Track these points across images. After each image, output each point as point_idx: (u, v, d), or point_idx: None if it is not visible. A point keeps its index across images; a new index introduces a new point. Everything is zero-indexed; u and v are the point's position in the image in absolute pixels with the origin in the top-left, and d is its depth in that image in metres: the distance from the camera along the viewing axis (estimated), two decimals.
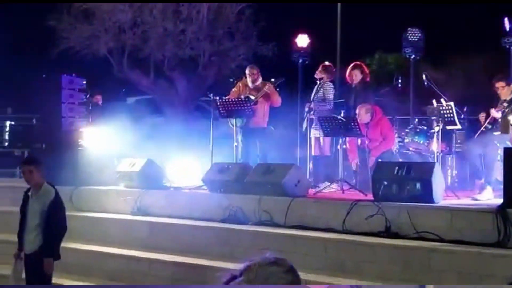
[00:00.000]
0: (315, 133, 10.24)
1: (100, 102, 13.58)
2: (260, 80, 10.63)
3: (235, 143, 10.35)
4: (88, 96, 11.56)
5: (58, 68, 12.91)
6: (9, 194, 10.22)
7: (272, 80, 10.53)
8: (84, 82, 11.47)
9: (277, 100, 10.49)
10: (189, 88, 15.74)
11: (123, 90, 18.77)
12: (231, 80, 11.19)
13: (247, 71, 10.74)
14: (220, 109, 10.19)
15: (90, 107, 11.62)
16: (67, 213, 9.51)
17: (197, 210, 8.77)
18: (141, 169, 9.70)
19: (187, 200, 9.09)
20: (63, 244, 8.93)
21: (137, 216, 9.08)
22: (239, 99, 10.22)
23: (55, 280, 8.24)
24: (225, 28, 15.75)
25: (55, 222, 6.83)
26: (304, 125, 10.46)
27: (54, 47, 14.93)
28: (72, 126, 10.99)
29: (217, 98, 10.34)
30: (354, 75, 10.33)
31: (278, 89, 10.63)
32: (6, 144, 17.22)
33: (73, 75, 11.32)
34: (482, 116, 10.12)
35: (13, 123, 18.57)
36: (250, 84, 10.59)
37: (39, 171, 6.94)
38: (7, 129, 17.65)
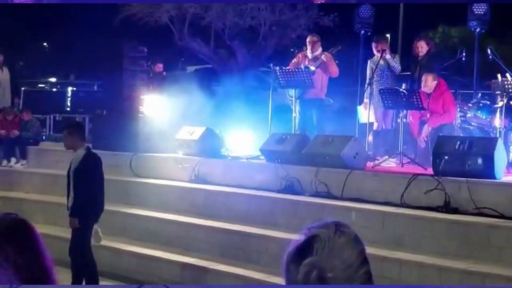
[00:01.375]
0: (381, 106, 10.08)
1: (162, 70, 13.71)
2: (320, 50, 10.53)
3: (294, 114, 10.31)
4: (149, 63, 11.68)
5: (120, 35, 13.07)
6: (70, 158, 10.46)
7: (330, 50, 10.42)
8: (145, 49, 11.57)
9: (335, 70, 10.36)
10: (249, 58, 15.73)
11: (182, 59, 18.91)
12: (292, 50, 11.12)
13: (308, 39, 10.65)
14: (280, 79, 10.16)
15: (151, 75, 11.74)
16: (126, 178, 9.82)
17: (254, 179, 8.81)
18: (200, 138, 9.79)
19: (244, 170, 9.14)
20: (121, 209, 9.18)
21: (195, 184, 9.19)
22: (299, 69, 10.16)
23: (114, 244, 8.48)
24: None
25: (77, 186, 6.96)
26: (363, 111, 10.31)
27: (117, 14, 15.09)
28: (133, 93, 11.13)
29: (277, 68, 10.30)
30: (420, 47, 10.12)
31: (337, 61, 10.51)
32: (68, 109, 17.64)
33: (135, 42, 11.43)
34: None
35: (75, 89, 19.00)
36: (309, 54, 10.50)
37: (72, 135, 7.02)
38: (69, 95, 18.07)
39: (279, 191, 8.36)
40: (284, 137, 9.22)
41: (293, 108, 10.33)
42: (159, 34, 15.99)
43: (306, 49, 10.65)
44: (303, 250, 1.74)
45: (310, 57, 10.47)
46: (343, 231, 1.78)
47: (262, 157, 9.36)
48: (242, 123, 10.99)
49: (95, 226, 7.05)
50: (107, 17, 15.65)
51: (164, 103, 10.99)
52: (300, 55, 10.68)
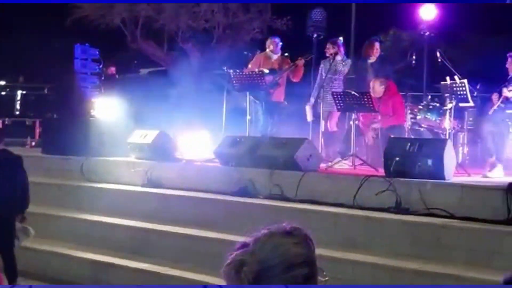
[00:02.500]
0: (327, 108, 10.21)
1: (115, 73, 13.58)
2: (280, 52, 10.67)
3: (248, 117, 10.33)
4: (101, 66, 11.55)
5: (71, 37, 12.89)
6: None
7: (305, 56, 10.55)
8: (97, 52, 11.45)
9: (301, 75, 10.54)
10: (203, 61, 15.69)
11: (135, 62, 18.76)
12: (246, 53, 11.16)
13: (271, 41, 10.73)
14: (234, 82, 10.17)
15: (103, 78, 11.61)
16: (77, 183, 9.68)
17: (208, 183, 8.77)
18: (153, 141, 9.71)
19: (198, 173, 9.10)
20: (72, 215, 9.05)
21: (148, 188, 9.10)
22: (253, 73, 10.19)
23: (65, 251, 8.35)
24: (239, 1, 15.64)
25: None
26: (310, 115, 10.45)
27: (68, 16, 14.88)
28: (84, 96, 10.99)
29: (231, 71, 10.31)
30: (376, 49, 10.27)
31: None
32: (18, 113, 17.30)
33: (87, 45, 11.30)
34: (495, 96, 10.06)
35: (24, 92, 18.65)
36: (271, 55, 10.60)
37: None
38: (19, 98, 17.74)
39: (233, 194, 8.35)
40: (238, 139, 9.21)
41: (248, 110, 10.35)
42: (112, 36, 15.82)
43: (263, 51, 10.73)
44: (244, 245, 1.83)
45: (273, 59, 10.56)
46: (291, 233, 1.83)
47: (216, 160, 9.34)
48: (196, 126, 10.95)
49: (20, 225, 6.96)
50: (58, 19, 15.42)
51: (116, 106, 10.88)
52: (261, 57, 10.72)
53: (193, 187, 8.82)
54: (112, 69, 13.24)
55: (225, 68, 10.75)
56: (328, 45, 10.49)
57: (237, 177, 8.47)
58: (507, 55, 8.84)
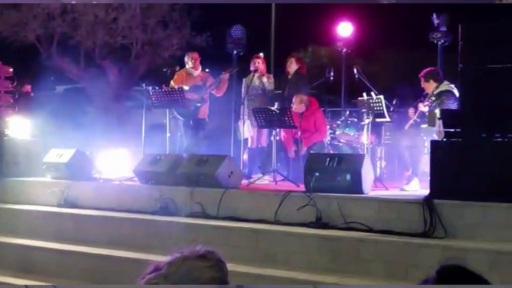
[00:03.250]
0: (250, 124, 10.24)
1: (30, 91, 13.23)
2: (200, 68, 10.64)
3: (168, 134, 10.23)
4: (15, 84, 11.21)
5: None
6: None
7: (228, 70, 10.52)
8: (11, 70, 11.10)
9: (224, 90, 10.51)
10: (121, 77, 15.50)
11: (52, 78, 18.35)
12: (165, 70, 11.08)
13: (190, 56, 10.67)
14: (153, 99, 10.06)
15: (17, 96, 11.26)
16: None
17: (127, 202, 8.62)
18: (69, 160, 9.48)
19: (116, 192, 8.92)
20: None
21: (64, 208, 8.87)
22: (172, 89, 10.12)
23: None
24: (158, 17, 15.58)
25: None
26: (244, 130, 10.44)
27: None
28: None
29: (150, 88, 10.19)
30: (290, 63, 10.42)
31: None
32: None
33: None
34: (411, 111, 10.35)
35: None
36: (192, 71, 10.54)
37: None
38: None
39: (153, 213, 8.22)
40: (158, 157, 9.09)
41: (167, 127, 10.25)
42: (27, 53, 15.43)
43: (182, 67, 10.67)
44: (156, 269, 1.84)
45: (195, 75, 10.50)
46: (204, 256, 1.82)
47: (136, 178, 9.19)
48: (115, 144, 10.76)
49: None
50: None
51: (31, 125, 10.58)
52: (182, 74, 10.64)
53: (111, 207, 8.65)
54: (27, 87, 12.91)
55: (143, 84, 10.62)
56: (252, 61, 10.56)
57: (157, 196, 8.35)
58: (419, 75, 9.07)
